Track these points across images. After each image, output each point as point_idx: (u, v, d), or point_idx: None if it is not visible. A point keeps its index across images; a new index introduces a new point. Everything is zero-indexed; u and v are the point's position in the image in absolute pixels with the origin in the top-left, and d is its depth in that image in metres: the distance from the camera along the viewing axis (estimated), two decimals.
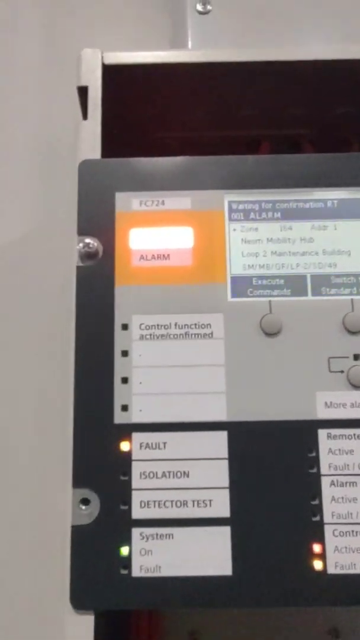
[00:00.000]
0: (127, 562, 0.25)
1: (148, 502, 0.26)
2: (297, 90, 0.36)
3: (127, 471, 0.26)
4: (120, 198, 0.29)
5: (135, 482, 0.26)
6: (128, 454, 0.26)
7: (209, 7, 0.41)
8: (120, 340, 0.28)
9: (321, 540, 0.26)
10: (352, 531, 0.26)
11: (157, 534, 0.26)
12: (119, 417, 0.27)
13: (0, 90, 0.47)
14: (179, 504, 0.26)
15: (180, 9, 0.40)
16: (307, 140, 0.43)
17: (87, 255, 0.28)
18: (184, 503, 0.26)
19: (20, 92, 0.47)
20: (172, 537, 0.26)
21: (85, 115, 0.31)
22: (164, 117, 0.38)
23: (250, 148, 0.42)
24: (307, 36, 0.41)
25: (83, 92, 0.31)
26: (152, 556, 0.26)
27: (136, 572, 0.25)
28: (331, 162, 0.30)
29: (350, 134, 0.42)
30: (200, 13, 0.40)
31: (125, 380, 0.27)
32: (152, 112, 0.37)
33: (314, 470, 0.26)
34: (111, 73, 0.32)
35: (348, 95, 0.37)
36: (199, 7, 0.40)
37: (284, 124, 0.41)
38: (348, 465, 0.26)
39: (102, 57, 0.32)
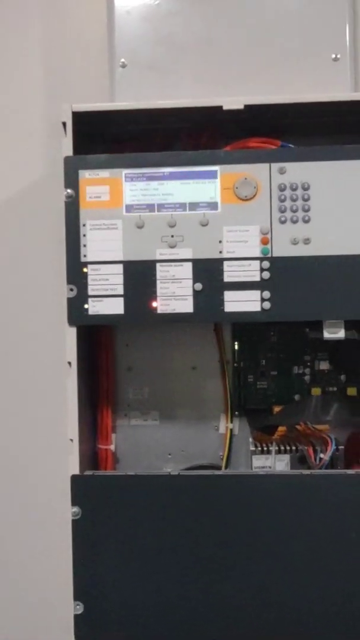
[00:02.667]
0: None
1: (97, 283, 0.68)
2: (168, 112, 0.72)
3: (86, 278, 0.68)
4: (81, 172, 0.69)
5: (90, 279, 0.68)
6: (86, 272, 0.68)
7: (124, 61, 0.76)
8: (82, 230, 0.69)
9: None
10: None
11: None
12: (82, 258, 0.69)
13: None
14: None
15: (111, 65, 0.76)
16: (184, 131, 0.79)
17: (68, 196, 0.69)
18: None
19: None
20: None
21: (65, 134, 0.69)
22: (106, 127, 0.76)
23: (158, 137, 0.79)
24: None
25: (64, 124, 0.69)
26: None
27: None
28: (166, 155, 0.69)
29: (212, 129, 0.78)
30: (122, 66, 0.76)
31: (85, 245, 0.69)
32: (100, 124, 0.74)
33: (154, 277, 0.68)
34: (76, 114, 0.69)
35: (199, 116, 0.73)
36: (120, 63, 0.76)
37: (170, 121, 0.77)
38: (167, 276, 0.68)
39: (72, 107, 0.69)
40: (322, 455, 0.74)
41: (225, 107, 0.68)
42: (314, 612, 0.68)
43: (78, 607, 0.70)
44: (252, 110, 0.69)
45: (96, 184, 0.69)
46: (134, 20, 0.78)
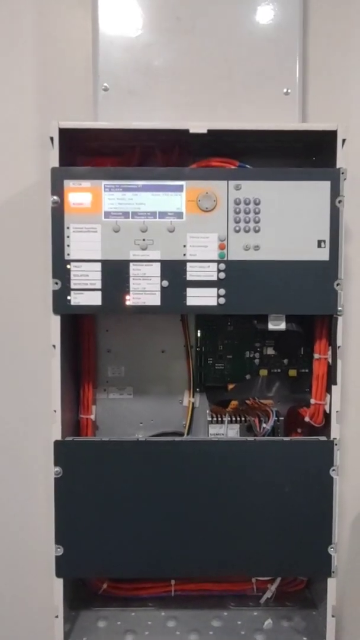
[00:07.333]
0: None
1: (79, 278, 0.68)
2: (144, 132, 0.71)
3: (69, 273, 0.68)
4: (66, 182, 0.68)
5: (72, 275, 0.67)
6: (69, 269, 0.68)
7: (107, 86, 0.75)
8: (66, 232, 0.68)
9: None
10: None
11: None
12: (66, 256, 0.68)
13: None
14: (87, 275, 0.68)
15: (95, 89, 0.74)
16: (158, 147, 0.79)
17: (54, 202, 0.68)
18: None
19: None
20: None
21: (52, 147, 0.67)
22: (89, 142, 0.74)
23: (134, 153, 0.78)
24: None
25: (52, 138, 0.67)
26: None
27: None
28: (140, 170, 0.68)
29: (178, 147, 0.77)
30: (104, 90, 0.74)
31: (68, 245, 0.68)
32: (83, 140, 0.73)
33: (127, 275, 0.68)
34: (62, 130, 0.67)
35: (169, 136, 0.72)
36: (103, 87, 0.74)
37: (144, 139, 0.76)
38: (138, 274, 0.68)
39: (59, 124, 0.67)
40: (265, 425, 0.75)
41: (191, 131, 0.67)
42: (255, 551, 0.71)
43: (59, 549, 0.70)
44: (214, 134, 0.68)
45: (79, 190, 0.67)
46: (116, 49, 0.76)
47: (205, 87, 0.76)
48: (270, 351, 0.82)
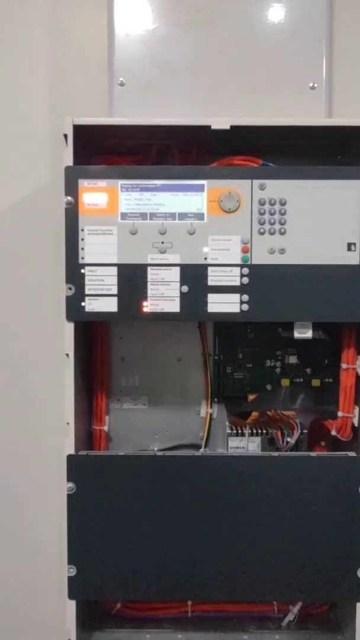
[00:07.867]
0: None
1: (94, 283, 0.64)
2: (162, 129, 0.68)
3: (83, 278, 0.64)
4: (81, 181, 0.64)
5: (87, 280, 0.64)
6: (84, 273, 0.64)
7: (122, 80, 0.71)
8: (81, 234, 0.64)
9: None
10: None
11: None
12: (80, 260, 0.64)
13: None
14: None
15: (110, 84, 0.71)
16: (175, 146, 0.75)
17: (68, 203, 0.64)
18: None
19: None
20: None
21: (67, 145, 0.64)
22: (104, 140, 0.71)
23: (152, 151, 0.74)
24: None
25: (65, 136, 0.63)
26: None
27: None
28: (159, 169, 0.64)
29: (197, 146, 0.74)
30: (120, 85, 0.71)
31: (82, 248, 0.64)
32: (98, 137, 0.69)
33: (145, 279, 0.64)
34: (77, 127, 0.64)
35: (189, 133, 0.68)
36: (119, 82, 0.71)
37: (162, 137, 0.73)
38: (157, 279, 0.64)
39: (73, 120, 0.63)
40: (289, 439, 0.71)
41: (213, 127, 0.63)
42: (278, 574, 0.67)
43: (71, 569, 0.67)
44: (237, 131, 0.64)
45: (93, 191, 0.64)
46: (132, 43, 0.72)
47: (226, 82, 0.72)
48: (292, 360, 0.78)
